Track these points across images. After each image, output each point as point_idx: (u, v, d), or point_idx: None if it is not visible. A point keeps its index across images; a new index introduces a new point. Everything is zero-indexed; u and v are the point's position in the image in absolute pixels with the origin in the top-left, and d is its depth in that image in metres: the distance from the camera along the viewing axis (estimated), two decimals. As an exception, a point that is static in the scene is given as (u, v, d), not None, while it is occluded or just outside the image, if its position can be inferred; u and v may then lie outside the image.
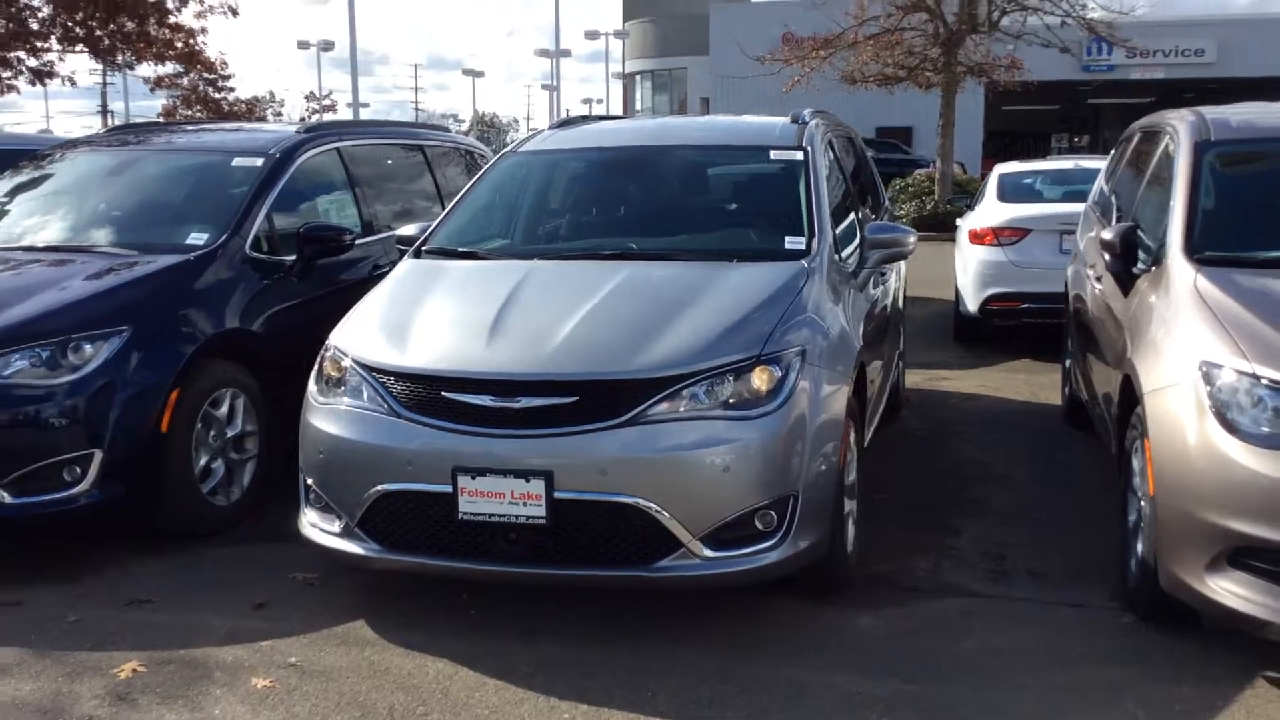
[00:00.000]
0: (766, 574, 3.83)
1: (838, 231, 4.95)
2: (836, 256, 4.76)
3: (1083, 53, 33.20)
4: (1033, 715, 3.35)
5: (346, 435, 3.95)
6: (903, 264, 6.82)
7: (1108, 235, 4.70)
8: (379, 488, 3.85)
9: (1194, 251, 4.22)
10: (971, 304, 9.56)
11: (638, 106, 56.25)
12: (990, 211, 9.79)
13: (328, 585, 4.32)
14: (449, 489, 3.73)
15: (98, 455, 4.48)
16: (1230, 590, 3.38)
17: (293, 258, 5.58)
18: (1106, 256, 4.72)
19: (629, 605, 4.08)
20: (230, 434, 5.07)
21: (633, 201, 5.29)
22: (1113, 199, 6.18)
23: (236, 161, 5.84)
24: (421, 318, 4.25)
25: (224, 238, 5.31)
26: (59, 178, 6.08)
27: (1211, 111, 5.15)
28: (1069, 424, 6.71)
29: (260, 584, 4.36)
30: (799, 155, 5.10)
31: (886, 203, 7.49)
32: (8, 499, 4.38)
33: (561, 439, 3.70)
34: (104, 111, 56.27)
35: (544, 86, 67.53)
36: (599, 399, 3.73)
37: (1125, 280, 4.62)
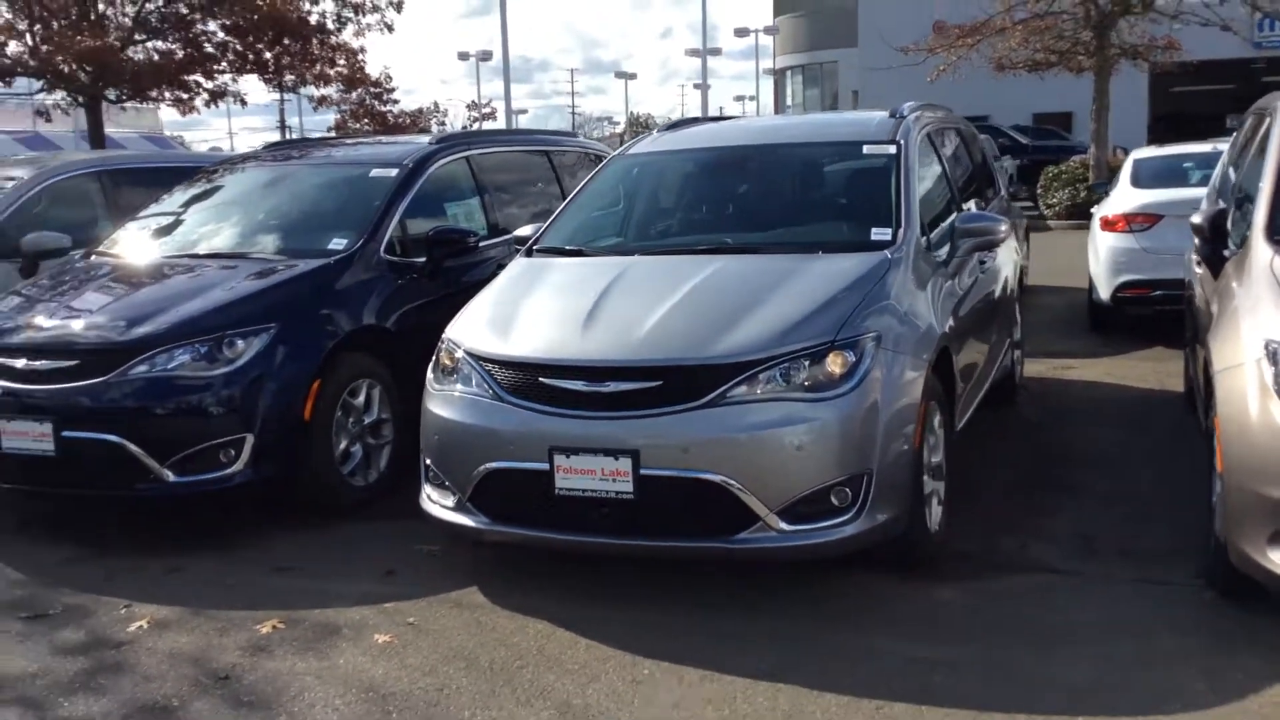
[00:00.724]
0: (842, 547, 4.06)
1: (929, 222, 5.13)
2: (925, 246, 4.94)
3: (1252, 29, 31.65)
4: (1090, 681, 3.49)
5: (457, 418, 4.35)
6: (1011, 253, 6.90)
7: (1197, 219, 4.75)
8: (486, 466, 4.24)
9: (1276, 233, 4.26)
10: (1104, 292, 9.46)
11: (788, 102, 56.02)
12: (1123, 197, 9.66)
13: (448, 556, 4.74)
14: (546, 466, 4.09)
15: (249, 439, 5.02)
16: (1292, 563, 3.46)
17: (423, 260, 6.05)
18: (1197, 241, 4.76)
19: (719, 578, 4.36)
20: (367, 421, 5.56)
21: (730, 198, 5.57)
22: (1226, 182, 6.13)
23: (374, 173, 6.36)
24: (525, 311, 4.63)
25: (361, 243, 5.82)
26: (220, 191, 6.73)
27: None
28: (1189, 410, 6.66)
29: (389, 554, 4.81)
30: (892, 149, 5.29)
31: (1004, 192, 7.54)
32: (171, 477, 4.95)
33: (646, 420, 4.02)
34: (282, 127, 59.32)
35: (694, 86, 68.00)
36: (681, 383, 4.03)
37: (1215, 264, 4.66)
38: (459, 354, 4.50)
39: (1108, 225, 9.44)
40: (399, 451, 5.66)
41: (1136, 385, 7.68)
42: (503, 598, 4.31)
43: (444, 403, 4.44)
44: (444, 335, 4.68)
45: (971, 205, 6.47)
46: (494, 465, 4.23)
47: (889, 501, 4.10)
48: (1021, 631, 3.87)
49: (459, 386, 4.42)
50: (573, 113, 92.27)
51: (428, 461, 4.54)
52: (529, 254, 5.35)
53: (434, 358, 4.65)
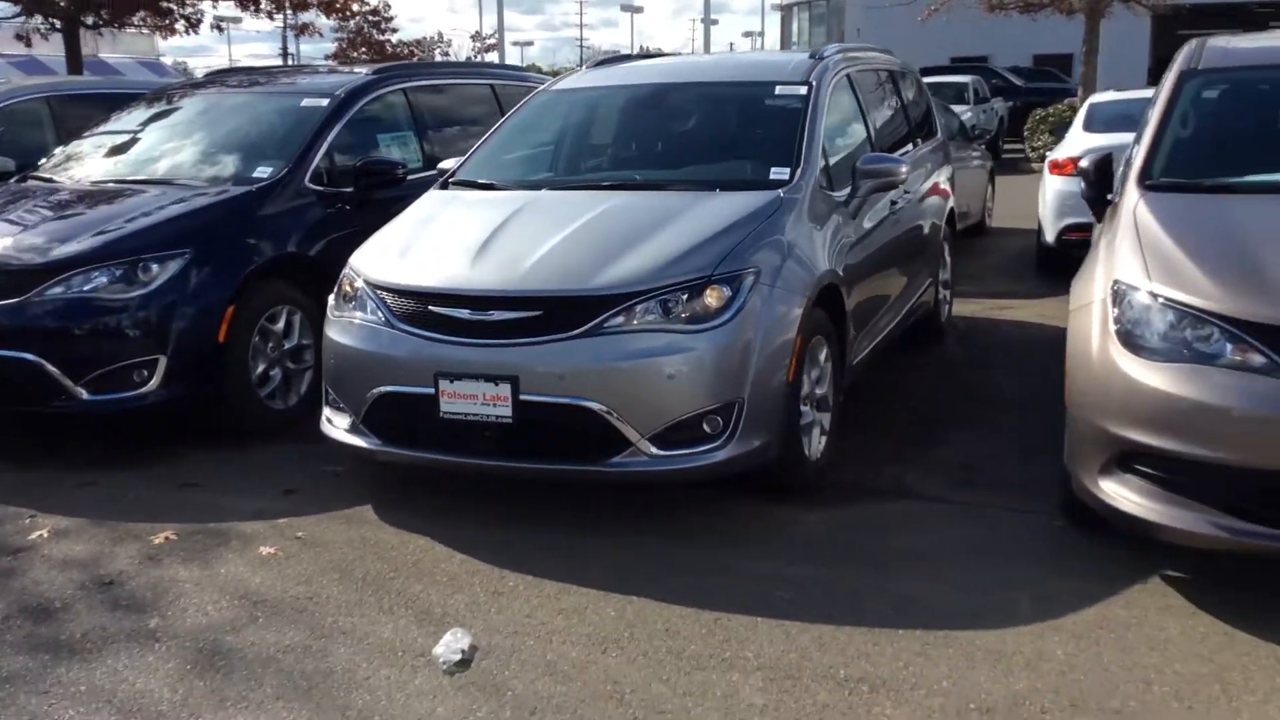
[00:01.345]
0: (712, 472, 4.23)
1: (834, 163, 5.24)
2: (825, 186, 5.06)
3: (1255, -29, 31.35)
4: (920, 597, 3.68)
5: (352, 344, 4.51)
6: (940, 195, 7.01)
7: (1084, 163, 4.86)
8: (377, 389, 4.41)
9: (1146, 178, 4.38)
10: (1049, 234, 9.58)
11: (794, 40, 55.50)
12: (1073, 141, 9.76)
13: (350, 477, 4.93)
14: (432, 391, 4.26)
15: (162, 361, 5.18)
16: (1119, 493, 3.63)
17: (351, 190, 6.17)
18: (1082, 185, 4.88)
19: (601, 500, 4.55)
20: (287, 346, 5.72)
21: (641, 136, 5.68)
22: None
23: (305, 102, 6.46)
24: (424, 242, 4.77)
25: (286, 171, 5.94)
26: (156, 118, 6.82)
27: (1221, 39, 5.21)
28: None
29: (295, 474, 4.99)
30: (803, 90, 5.38)
31: (941, 136, 7.62)
32: (85, 396, 5.11)
33: (526, 348, 4.17)
34: (284, 54, 58.92)
35: (701, 21, 67.41)
36: (560, 313, 4.18)
37: (1099, 208, 4.78)
38: (358, 282, 4.64)
39: (1056, 169, 9.54)
40: (319, 377, 5.82)
41: (1063, 326, 7.79)
42: (392, 516, 4.50)
43: (342, 329, 4.60)
44: (348, 262, 4.82)
45: (910, 148, 6.57)
46: (384, 389, 4.39)
47: (760, 429, 4.26)
48: (873, 554, 4.05)
49: (357, 314, 4.57)
50: (580, 45, 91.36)
51: (326, 385, 4.70)
52: (444, 187, 5.48)
53: (337, 285, 4.80)
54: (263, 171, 5.95)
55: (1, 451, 5.43)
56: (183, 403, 5.33)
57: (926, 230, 6.68)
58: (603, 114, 5.87)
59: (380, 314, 4.47)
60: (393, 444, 4.46)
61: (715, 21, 53.19)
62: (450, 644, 3.40)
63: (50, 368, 5.07)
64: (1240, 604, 3.57)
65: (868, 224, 5.40)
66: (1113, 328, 3.71)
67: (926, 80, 23.49)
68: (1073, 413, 3.85)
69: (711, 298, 4.22)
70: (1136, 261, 3.81)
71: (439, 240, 4.78)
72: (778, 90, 5.46)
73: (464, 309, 4.29)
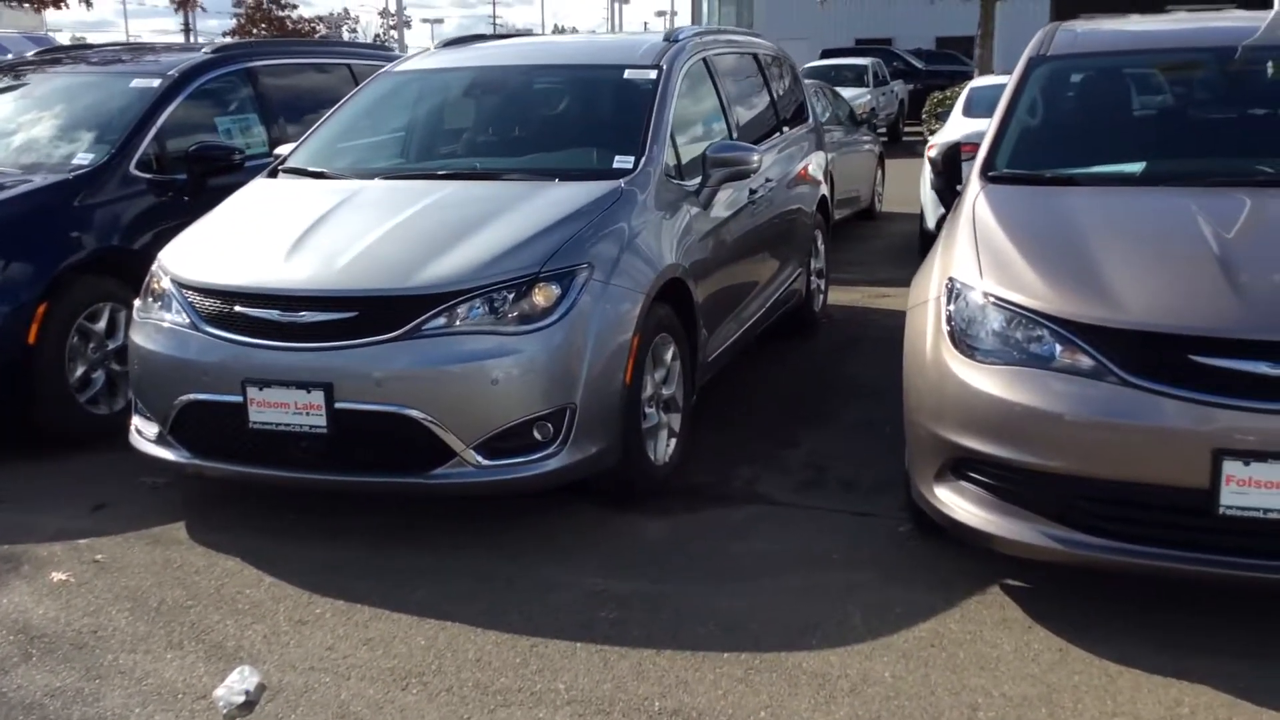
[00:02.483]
0: (544, 481, 4.00)
1: (683, 151, 5.03)
2: (673, 175, 4.84)
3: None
4: (748, 613, 3.49)
5: (157, 348, 4.18)
6: (809, 183, 6.85)
7: (933, 153, 4.72)
8: (183, 397, 4.09)
9: (989, 169, 4.24)
10: (930, 220, 9.48)
11: (704, 20, 55.37)
12: (952, 126, 9.67)
13: (169, 490, 4.60)
14: (240, 399, 3.95)
15: (-38, 365, 4.79)
16: (954, 501, 3.48)
17: (184, 177, 5.80)
18: (930, 175, 4.73)
19: (432, 513, 4.29)
20: (111, 346, 5.34)
21: (483, 121, 5.41)
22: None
23: (134, 83, 6.05)
24: (237, 236, 4.46)
25: (108, 157, 5.55)
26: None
27: (1078, 24, 5.10)
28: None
29: (110, 487, 4.65)
30: (652, 75, 5.15)
31: (812, 122, 7.45)
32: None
33: (340, 352, 3.89)
34: (186, 31, 57.06)
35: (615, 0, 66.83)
36: (376, 314, 3.90)
37: (949, 198, 4.64)
38: (165, 281, 4.31)
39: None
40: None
41: (937, 315, 7.71)
42: (205, 534, 4.19)
43: (146, 331, 4.27)
44: (157, 259, 4.48)
45: (776, 135, 6.38)
46: (190, 397, 4.08)
47: (596, 435, 4.04)
48: (709, 565, 3.86)
49: (164, 315, 4.25)
50: (494, 24, 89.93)
51: (132, 392, 4.37)
52: (273, 174, 5.15)
53: (145, 284, 4.45)
54: (83, 158, 5.56)
55: None
56: (-6, 408, 4.94)
57: (794, 218, 6.51)
58: (445, 98, 5.57)
59: (185, 315, 4.16)
60: (202, 456, 4.15)
61: (628, 1, 52.62)
62: (234, 685, 3.10)
63: None
64: (1078, 617, 3.44)
65: (721, 214, 5.19)
66: (945, 328, 3.55)
67: (826, 62, 23.52)
68: (908, 416, 3.69)
69: (539, 296, 3.98)
70: (971, 258, 3.66)
71: (254, 234, 4.46)
72: (626, 74, 5.22)
73: (273, 310, 3.99)
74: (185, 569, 3.91)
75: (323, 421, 3.88)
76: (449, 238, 4.15)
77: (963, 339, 3.48)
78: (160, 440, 4.22)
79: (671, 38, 5.56)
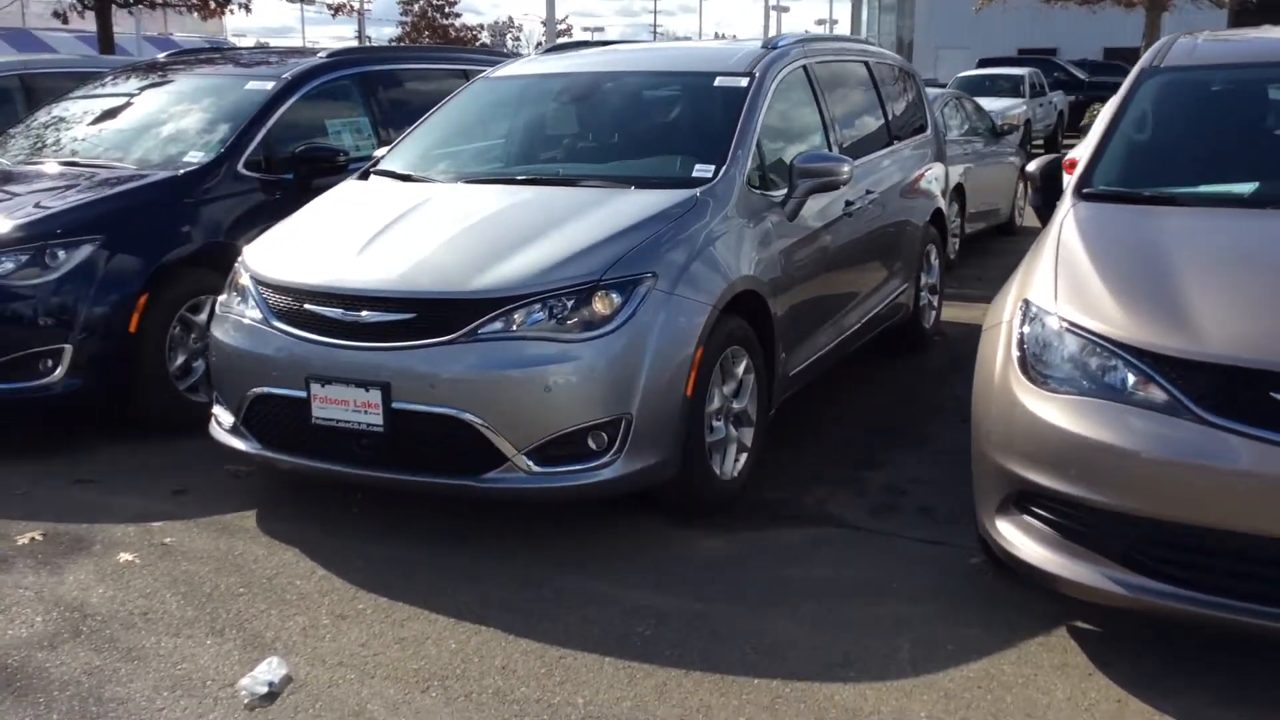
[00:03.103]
0: (597, 491, 3.94)
1: (771, 161, 4.91)
2: (756, 184, 4.73)
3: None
4: (795, 645, 3.35)
5: (232, 341, 4.28)
6: (923, 196, 6.61)
7: (1031, 167, 4.48)
8: (254, 390, 4.17)
9: (1084, 185, 4.00)
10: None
11: (863, 29, 54.66)
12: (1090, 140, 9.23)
13: (250, 479, 4.70)
14: (304, 394, 4.01)
15: (67, 350, 4.99)
16: (1016, 537, 3.27)
17: (291, 177, 5.95)
18: (1029, 191, 4.49)
19: (496, 517, 4.27)
20: (211, 337, 5.50)
21: (571, 128, 5.36)
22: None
23: (250, 85, 6.24)
24: (315, 235, 4.53)
25: (216, 156, 5.73)
26: (103, 99, 6.63)
27: (1202, 35, 4.78)
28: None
29: (195, 473, 4.78)
30: (743, 83, 5.04)
31: (931, 133, 7.19)
32: (-10, 384, 4.95)
33: (399, 352, 3.90)
34: (360, 35, 59.25)
35: (773, 8, 66.40)
36: (434, 316, 3.90)
37: (1045, 215, 4.39)
38: (245, 277, 4.41)
39: (1071, 168, 9.03)
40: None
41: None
42: (272, 524, 4.27)
43: (225, 325, 4.37)
44: (240, 255, 4.59)
45: (885, 146, 6.19)
46: (261, 390, 4.16)
47: (653, 447, 3.95)
48: (760, 587, 3.73)
49: (241, 309, 4.34)
50: (654, 32, 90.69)
51: (212, 383, 4.49)
52: (364, 176, 5.22)
53: (229, 278, 4.56)
54: (194, 156, 5.75)
55: (-91, 439, 5.30)
56: (91, 393, 5.13)
57: (901, 231, 6.29)
58: (535, 104, 5.56)
59: (259, 310, 4.24)
60: (271, 448, 4.22)
61: (787, 9, 52.36)
62: (260, 675, 3.15)
63: (-47, 355, 4.91)
64: (1145, 667, 3.20)
65: (811, 225, 5.04)
66: (1015, 353, 3.34)
67: (979, 72, 22.86)
68: (974, 444, 3.49)
69: (599, 304, 3.91)
70: (1049, 280, 3.44)
71: (329, 234, 4.52)
72: (717, 82, 5.12)
73: (337, 309, 4.03)
74: (244, 557, 3.98)
75: (380, 420, 3.90)
76: (514, 243, 4.13)
77: (1034, 365, 3.27)
78: (234, 430, 4.31)
79: (770, 45, 5.44)
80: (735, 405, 4.43)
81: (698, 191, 4.45)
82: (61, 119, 6.51)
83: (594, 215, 4.30)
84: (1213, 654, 3.23)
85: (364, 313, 3.97)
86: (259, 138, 5.94)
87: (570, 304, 3.90)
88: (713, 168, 4.62)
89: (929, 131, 7.18)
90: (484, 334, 3.86)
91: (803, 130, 5.44)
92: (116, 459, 5.01)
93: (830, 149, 5.47)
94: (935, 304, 7.21)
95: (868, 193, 5.70)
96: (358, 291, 4.02)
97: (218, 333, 4.37)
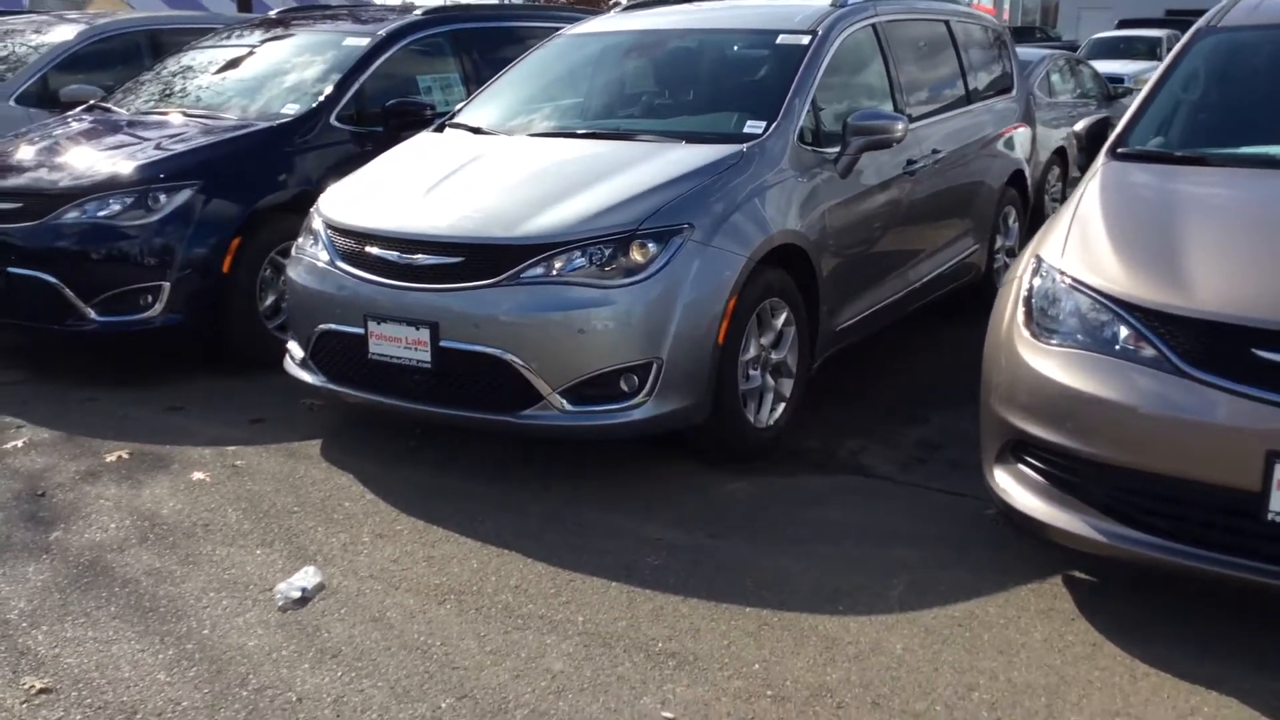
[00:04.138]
0: (628, 430, 4.16)
1: (828, 118, 5.01)
2: (808, 142, 4.84)
3: None
4: (792, 581, 3.52)
5: (303, 281, 4.62)
6: (994, 154, 6.60)
7: (1078, 126, 4.49)
8: (320, 326, 4.50)
9: (1119, 145, 4.02)
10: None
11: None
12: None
13: (324, 413, 5.06)
14: (362, 331, 4.32)
15: (165, 287, 5.42)
16: (1008, 485, 3.37)
17: (381, 129, 6.28)
18: (1076, 152, 4.50)
19: (539, 454, 4.53)
20: (300, 280, 5.88)
21: (637, 84, 5.54)
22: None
23: (347, 41, 6.59)
24: (383, 183, 4.82)
25: (311, 109, 6.10)
26: (216, 54, 7.06)
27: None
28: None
29: (275, 404, 5.16)
30: (805, 40, 5.14)
31: (1017, 93, 7.14)
32: (95, 316, 5.41)
33: (447, 294, 4.17)
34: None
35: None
36: (480, 260, 4.16)
37: (1088, 174, 4.41)
38: (317, 221, 4.73)
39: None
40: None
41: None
42: (334, 453, 4.61)
43: (299, 266, 4.70)
44: (316, 201, 4.92)
45: (960, 107, 6.20)
46: (326, 327, 4.48)
47: (683, 391, 4.15)
48: (774, 527, 3.90)
49: (315, 251, 4.67)
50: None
51: (287, 319, 4.84)
52: (440, 129, 5.50)
53: (306, 222, 4.90)
54: (290, 108, 6.12)
55: (22, 363, 5.81)
56: (187, 329, 5.56)
57: (973, 192, 6.30)
58: (603, 61, 5.74)
59: (328, 253, 4.56)
60: (334, 381, 4.54)
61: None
62: (296, 581, 3.47)
63: (65, 289, 5.38)
64: (1128, 615, 3.28)
65: (867, 182, 5.13)
66: (1021, 309, 3.43)
67: (1114, 34, 22.06)
68: (981, 396, 3.59)
69: (636, 253, 4.11)
70: (1061, 237, 3.51)
71: (397, 182, 4.81)
72: (779, 39, 5.23)
73: (394, 251, 4.31)
74: (304, 480, 4.32)
75: (428, 358, 4.18)
76: (561, 193, 4.35)
77: (1038, 320, 3.36)
78: (303, 364, 4.66)
79: (839, 3, 5.51)
80: (774, 356, 4.58)
81: (744, 147, 4.60)
82: (179, 72, 6.96)
83: (641, 168, 4.49)
84: (1195, 607, 3.29)
85: (418, 256, 4.25)
86: (352, 91, 6.27)
87: (608, 252, 4.11)
88: (764, 124, 4.75)
89: (1014, 93, 7.13)
90: (526, 278, 4.10)
91: (866, 88, 5.51)
92: (207, 389, 5.43)
93: (894, 108, 5.53)
94: (1006, 264, 7.18)
95: (934, 151, 5.74)
96: (413, 235, 4.30)
97: (292, 273, 4.72)
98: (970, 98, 6.48)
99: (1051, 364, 3.23)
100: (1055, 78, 10.50)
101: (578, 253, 4.11)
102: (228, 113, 6.27)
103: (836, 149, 4.95)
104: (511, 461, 4.48)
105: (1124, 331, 3.14)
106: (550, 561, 3.65)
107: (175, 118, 6.28)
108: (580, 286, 4.07)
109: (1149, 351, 3.07)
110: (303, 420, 4.98)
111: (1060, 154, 9.87)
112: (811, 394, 4.85)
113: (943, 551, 3.72)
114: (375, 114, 6.33)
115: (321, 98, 6.17)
